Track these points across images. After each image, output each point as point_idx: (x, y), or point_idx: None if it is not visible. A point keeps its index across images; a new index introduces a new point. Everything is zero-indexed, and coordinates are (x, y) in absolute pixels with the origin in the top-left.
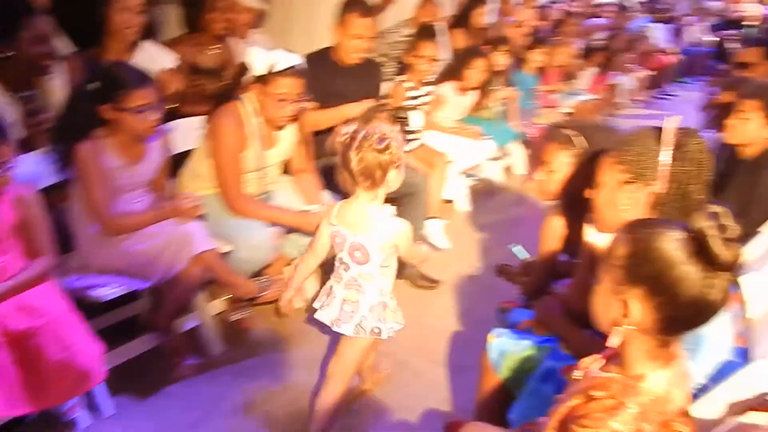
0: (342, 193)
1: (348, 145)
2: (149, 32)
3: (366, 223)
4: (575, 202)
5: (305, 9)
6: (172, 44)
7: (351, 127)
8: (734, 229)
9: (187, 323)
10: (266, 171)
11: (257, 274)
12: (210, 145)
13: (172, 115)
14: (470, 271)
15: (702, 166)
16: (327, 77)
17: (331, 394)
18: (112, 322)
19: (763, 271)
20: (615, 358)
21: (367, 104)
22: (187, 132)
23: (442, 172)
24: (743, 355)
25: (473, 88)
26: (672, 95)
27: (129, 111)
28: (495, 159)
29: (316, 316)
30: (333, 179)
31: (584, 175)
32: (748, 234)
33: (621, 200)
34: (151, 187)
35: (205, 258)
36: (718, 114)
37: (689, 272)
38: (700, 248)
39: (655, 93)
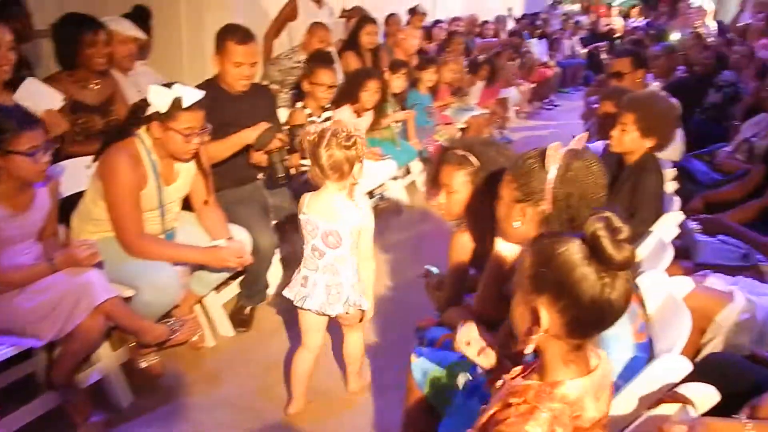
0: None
1: (317, 143)
2: (27, 69)
3: (336, 211)
4: (480, 217)
5: (193, 38)
6: (50, 81)
7: (319, 127)
8: (624, 230)
9: (90, 377)
10: (167, 208)
11: (165, 315)
12: (104, 186)
13: (56, 157)
14: (383, 292)
15: (588, 186)
16: (218, 107)
17: (355, 348)
18: (5, 383)
19: (657, 268)
20: (535, 366)
21: (262, 127)
22: (75, 173)
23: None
24: (645, 350)
25: (368, 109)
26: (555, 105)
27: (19, 154)
28: (397, 178)
29: (305, 305)
30: (236, 210)
31: (487, 190)
32: (640, 233)
33: (513, 216)
34: (40, 236)
35: (107, 307)
36: (599, 123)
37: (586, 274)
38: (594, 251)
39: (539, 104)
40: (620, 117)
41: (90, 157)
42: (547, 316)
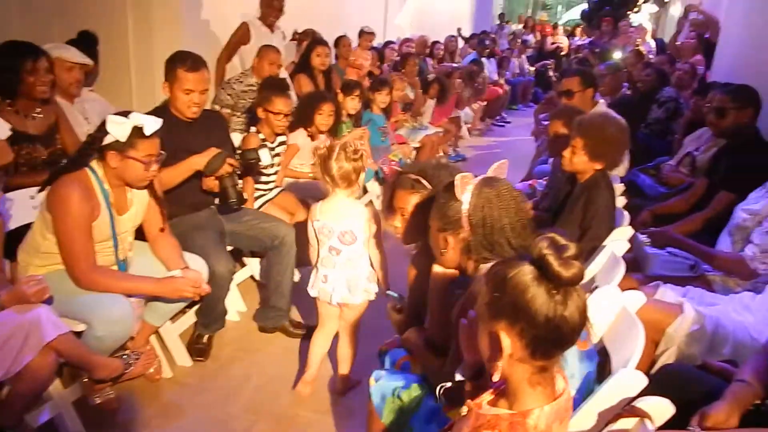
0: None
1: (327, 156)
2: None
3: (348, 213)
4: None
5: (141, 63)
6: None
7: (326, 142)
8: (570, 247)
9: (41, 416)
10: (120, 238)
11: (120, 348)
12: (53, 218)
13: None
14: None
15: (501, 212)
16: (170, 134)
17: (348, 349)
18: None
19: (610, 283)
20: (501, 392)
21: (211, 153)
22: (20, 205)
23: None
24: (590, 357)
25: (323, 132)
26: (506, 122)
27: None
28: None
29: (332, 301)
30: (192, 238)
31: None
32: (593, 249)
33: (440, 244)
34: None
35: (57, 344)
36: (550, 142)
37: (537, 294)
38: (542, 270)
39: (491, 121)
40: (571, 140)
41: (34, 189)
42: (508, 340)
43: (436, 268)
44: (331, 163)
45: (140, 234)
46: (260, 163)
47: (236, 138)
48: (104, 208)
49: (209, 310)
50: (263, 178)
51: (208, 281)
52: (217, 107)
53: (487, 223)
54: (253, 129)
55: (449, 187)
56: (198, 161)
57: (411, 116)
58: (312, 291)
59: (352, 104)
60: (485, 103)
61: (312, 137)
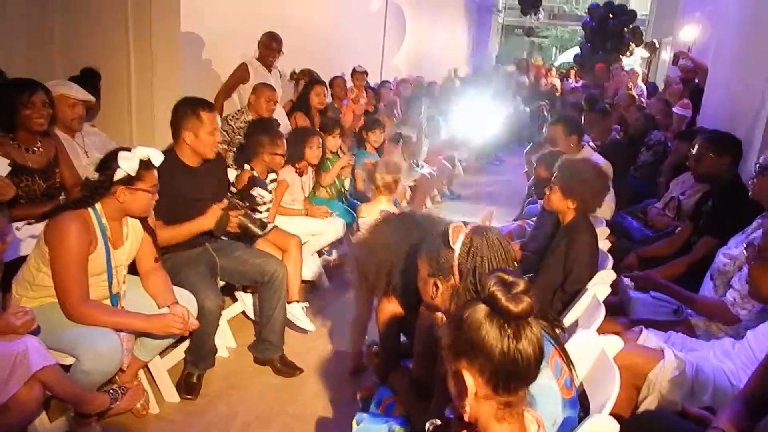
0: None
1: (373, 170)
2: None
3: None
4: (409, 286)
5: (142, 99)
6: None
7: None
8: (519, 283)
9: None
10: (115, 271)
11: (108, 382)
12: (51, 250)
13: None
14: (337, 348)
15: (491, 261)
16: (179, 181)
17: None
18: None
19: (590, 327)
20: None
21: (216, 213)
22: (18, 238)
23: (298, 255)
24: (573, 405)
25: (312, 165)
26: (501, 161)
27: None
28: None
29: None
30: (183, 272)
31: (412, 261)
32: (576, 291)
33: (429, 290)
34: None
35: (44, 376)
36: (536, 184)
37: (490, 330)
38: (493, 307)
39: (486, 160)
40: (552, 182)
41: (22, 222)
42: (470, 378)
43: (424, 312)
44: (376, 175)
45: (132, 268)
46: (263, 200)
47: (230, 174)
48: (101, 242)
49: (198, 347)
50: (255, 215)
51: (198, 317)
52: None
53: (477, 271)
54: (246, 166)
55: (442, 234)
56: (207, 223)
57: (405, 155)
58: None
59: (333, 142)
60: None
61: (300, 173)
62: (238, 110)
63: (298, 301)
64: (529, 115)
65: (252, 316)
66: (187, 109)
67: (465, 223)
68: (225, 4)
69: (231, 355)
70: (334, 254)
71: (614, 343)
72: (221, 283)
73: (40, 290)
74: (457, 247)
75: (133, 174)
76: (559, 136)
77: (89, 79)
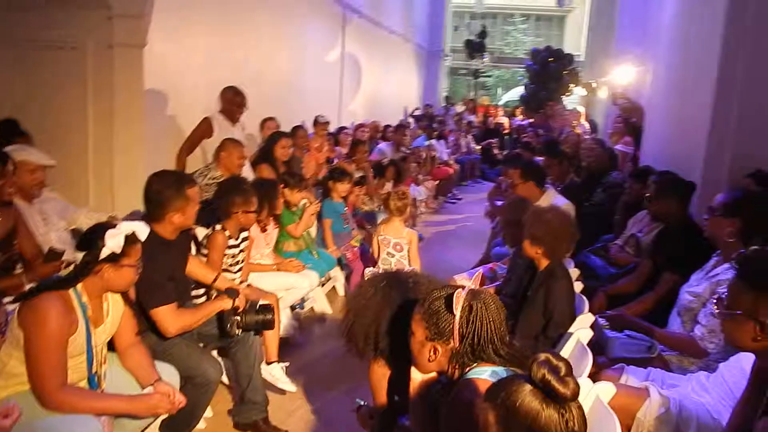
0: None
1: (387, 198)
2: None
3: (400, 232)
4: (397, 346)
5: (100, 163)
6: None
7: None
8: (562, 365)
9: None
10: (95, 351)
11: None
12: (28, 335)
13: None
14: (318, 407)
15: (489, 324)
16: (159, 258)
17: None
18: None
19: (581, 374)
20: None
21: (227, 303)
22: None
23: (276, 313)
24: None
25: (277, 215)
26: (457, 198)
27: None
28: (318, 286)
29: None
30: (170, 347)
31: (399, 320)
32: (557, 336)
33: (427, 353)
34: None
35: None
36: (503, 228)
37: (550, 415)
38: (547, 393)
39: (443, 199)
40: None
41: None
42: None
43: (416, 375)
44: (389, 202)
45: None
46: (235, 260)
47: (200, 232)
48: (82, 323)
49: (187, 422)
50: (229, 275)
51: (194, 388)
52: None
53: (476, 334)
54: (218, 227)
55: (440, 297)
56: (220, 305)
57: (368, 198)
58: None
59: (297, 196)
60: (438, 181)
61: (263, 227)
62: (205, 166)
63: (277, 361)
64: (479, 152)
65: (226, 381)
66: (172, 191)
67: (462, 287)
68: (187, 58)
69: (208, 426)
70: (306, 307)
71: (608, 390)
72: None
73: (10, 378)
74: (458, 311)
75: (119, 251)
76: (517, 181)
77: (10, 128)
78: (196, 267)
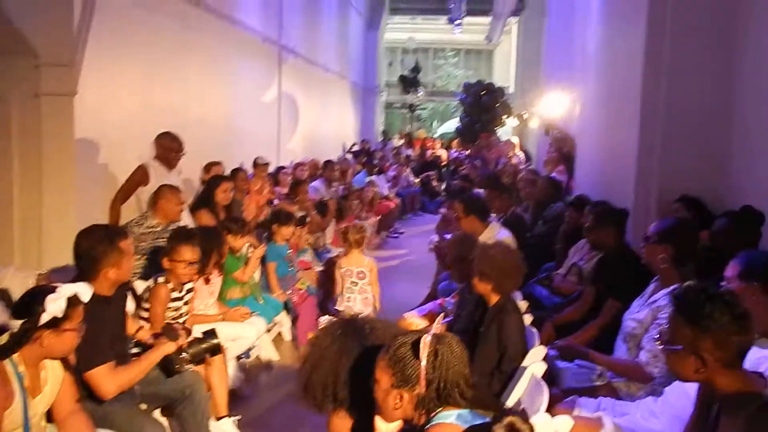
0: None
1: (346, 232)
2: None
3: (361, 262)
4: (359, 394)
5: (29, 215)
6: None
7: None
8: (525, 427)
9: None
10: (32, 423)
11: None
12: None
13: None
14: None
15: (455, 368)
16: (101, 317)
17: None
18: None
19: (539, 409)
20: None
21: (169, 346)
22: None
23: (223, 365)
24: None
25: (220, 264)
26: (400, 233)
27: None
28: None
29: (351, 312)
30: (112, 412)
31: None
32: (511, 370)
33: (392, 400)
34: None
35: None
36: (452, 266)
37: None
38: None
39: (386, 234)
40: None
41: None
42: None
43: (382, 425)
44: (348, 236)
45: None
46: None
47: (139, 285)
48: (18, 393)
49: None
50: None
51: None
52: None
53: (442, 379)
54: (161, 279)
55: (405, 344)
56: (157, 356)
57: (311, 238)
58: (339, 307)
59: (241, 242)
60: (379, 217)
61: (206, 280)
62: (141, 215)
63: (228, 416)
64: (419, 185)
65: None
66: (104, 245)
67: (426, 332)
68: (120, 105)
69: None
70: (252, 355)
71: (566, 424)
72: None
73: None
74: (424, 357)
75: (60, 315)
76: (461, 215)
77: None
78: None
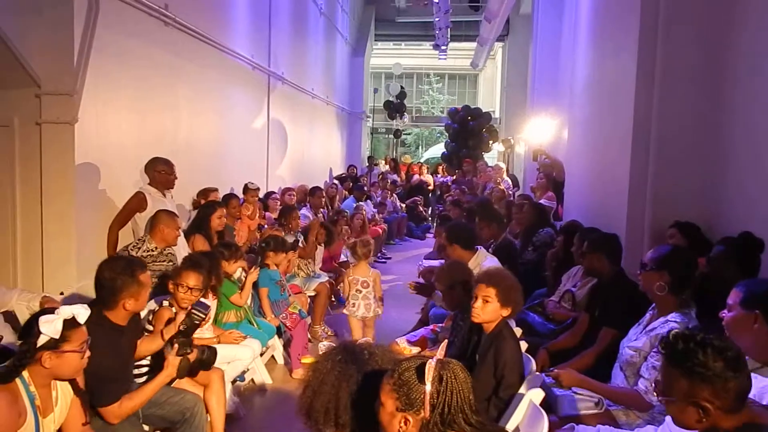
0: None
1: (354, 246)
2: None
3: (366, 272)
4: (360, 419)
5: (29, 238)
6: None
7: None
8: None
9: None
10: None
11: None
12: None
13: None
14: None
15: (459, 393)
16: (113, 345)
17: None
18: None
19: None
20: None
21: (176, 361)
22: None
23: (221, 388)
24: None
25: (218, 287)
26: (387, 258)
27: None
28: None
29: (355, 315)
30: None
31: (359, 394)
32: (510, 397)
33: (396, 424)
34: None
35: None
36: (444, 296)
37: None
38: None
39: (374, 259)
40: (480, 291)
41: None
42: None
43: None
44: (356, 249)
45: None
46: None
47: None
48: (30, 413)
49: None
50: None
51: None
52: None
53: (447, 404)
54: (165, 303)
55: (410, 368)
56: (172, 372)
57: (303, 263)
58: (346, 311)
59: (234, 267)
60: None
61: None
62: (139, 239)
63: None
64: (405, 210)
65: None
66: (125, 277)
67: (431, 357)
68: (118, 132)
69: None
70: (246, 379)
71: None
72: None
73: None
74: (429, 382)
75: (57, 337)
76: (446, 244)
77: None
78: (144, 345)
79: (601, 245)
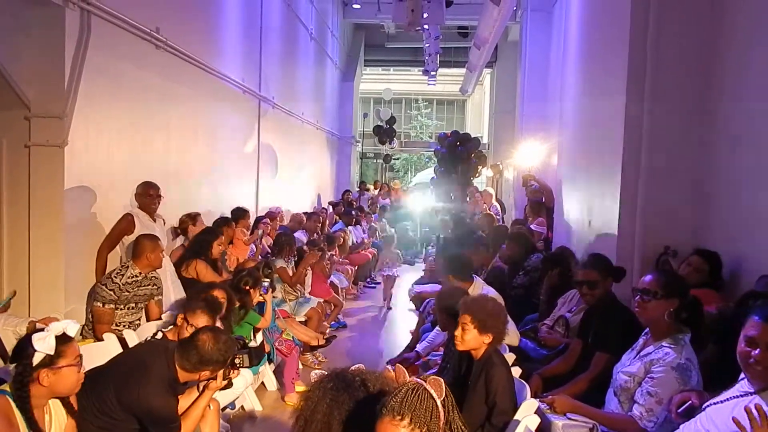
0: None
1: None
2: None
3: None
4: None
5: (16, 261)
6: None
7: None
8: None
9: None
10: None
11: None
12: None
13: None
14: None
15: (455, 410)
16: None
17: None
18: None
19: None
20: None
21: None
22: None
23: (215, 419)
24: None
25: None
26: (376, 283)
27: None
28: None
29: None
30: None
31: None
32: (503, 424)
33: None
34: None
35: None
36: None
37: None
38: None
39: (363, 284)
40: (460, 318)
41: None
42: None
43: None
44: None
45: None
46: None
47: (129, 336)
48: None
49: None
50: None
51: None
52: (99, 305)
53: (449, 419)
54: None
55: (426, 398)
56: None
57: (292, 288)
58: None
59: (255, 294)
60: (356, 267)
61: None
62: (122, 266)
63: None
64: (395, 235)
65: None
66: (218, 356)
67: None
68: (108, 155)
69: None
70: (236, 406)
71: None
72: None
73: None
74: (438, 398)
75: (52, 353)
76: (443, 278)
77: None
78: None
79: (600, 269)
